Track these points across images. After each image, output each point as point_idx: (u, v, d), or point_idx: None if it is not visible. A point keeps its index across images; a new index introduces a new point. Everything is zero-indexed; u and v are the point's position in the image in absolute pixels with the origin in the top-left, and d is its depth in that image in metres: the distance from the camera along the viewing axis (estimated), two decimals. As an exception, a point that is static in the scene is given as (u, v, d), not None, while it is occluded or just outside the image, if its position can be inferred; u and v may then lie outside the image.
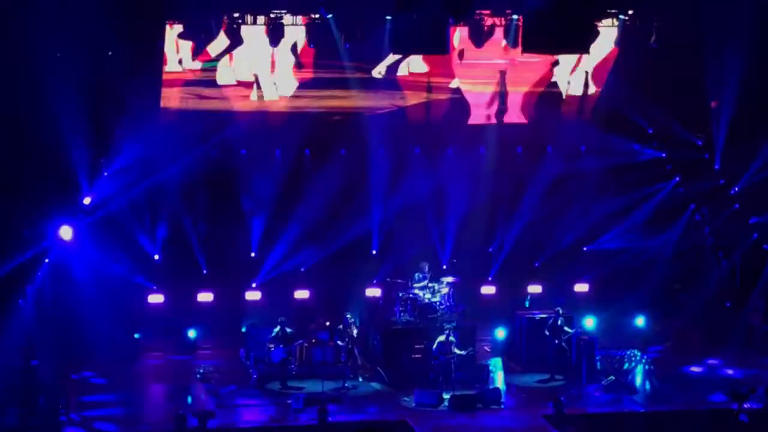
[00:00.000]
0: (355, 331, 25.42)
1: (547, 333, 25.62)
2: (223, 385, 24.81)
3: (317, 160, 28.78)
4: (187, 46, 25.94)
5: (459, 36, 26.46)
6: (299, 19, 25.43)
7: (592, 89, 28.39)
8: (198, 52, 26.03)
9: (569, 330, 25.53)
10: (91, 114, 24.95)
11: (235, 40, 25.55)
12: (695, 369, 26.57)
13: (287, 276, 28.61)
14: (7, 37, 23.45)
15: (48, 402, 22.45)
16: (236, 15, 25.08)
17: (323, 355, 25.12)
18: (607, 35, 26.32)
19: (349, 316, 25.68)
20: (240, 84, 27.09)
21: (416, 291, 26.32)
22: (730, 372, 26.21)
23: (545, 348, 25.70)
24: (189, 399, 24.01)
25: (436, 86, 28.11)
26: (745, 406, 21.48)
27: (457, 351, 24.29)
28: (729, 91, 27.40)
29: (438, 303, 26.21)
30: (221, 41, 25.68)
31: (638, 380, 25.73)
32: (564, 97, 28.54)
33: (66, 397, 23.16)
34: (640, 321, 28.43)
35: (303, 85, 27.29)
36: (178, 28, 25.49)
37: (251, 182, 28.34)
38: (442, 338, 24.36)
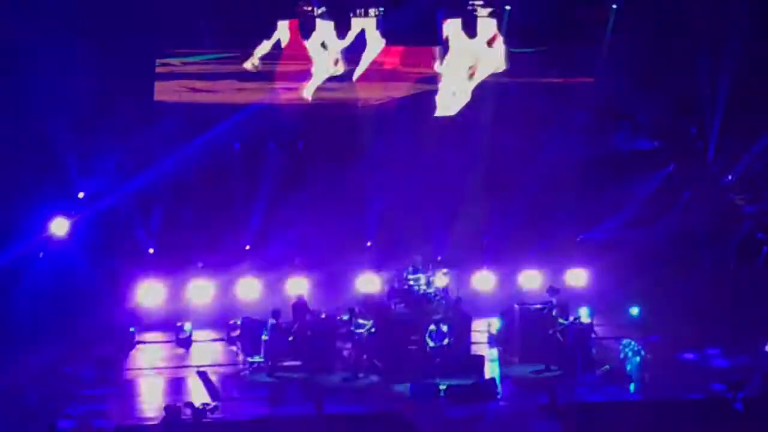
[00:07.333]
0: (368, 324, 25.28)
1: (541, 323, 25.63)
2: (218, 377, 24.82)
3: (311, 152, 28.75)
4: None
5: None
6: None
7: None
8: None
9: (563, 321, 25.56)
10: (86, 108, 24.94)
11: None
12: (690, 358, 26.62)
13: (282, 268, 28.59)
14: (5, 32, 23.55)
15: (41, 396, 22.47)
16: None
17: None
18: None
19: (356, 309, 25.63)
20: (236, 77, 27.11)
21: (411, 282, 26.32)
22: (724, 360, 26.26)
23: (540, 338, 25.71)
24: (184, 391, 24.02)
25: (430, 77, 28.16)
26: (740, 394, 21.55)
27: (446, 341, 24.42)
28: (723, 79, 27.41)
29: (433, 294, 26.22)
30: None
31: (633, 369, 25.73)
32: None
33: (60, 390, 23.16)
34: (634, 310, 28.49)
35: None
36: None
37: (245, 174, 28.32)
38: (432, 328, 24.54)
